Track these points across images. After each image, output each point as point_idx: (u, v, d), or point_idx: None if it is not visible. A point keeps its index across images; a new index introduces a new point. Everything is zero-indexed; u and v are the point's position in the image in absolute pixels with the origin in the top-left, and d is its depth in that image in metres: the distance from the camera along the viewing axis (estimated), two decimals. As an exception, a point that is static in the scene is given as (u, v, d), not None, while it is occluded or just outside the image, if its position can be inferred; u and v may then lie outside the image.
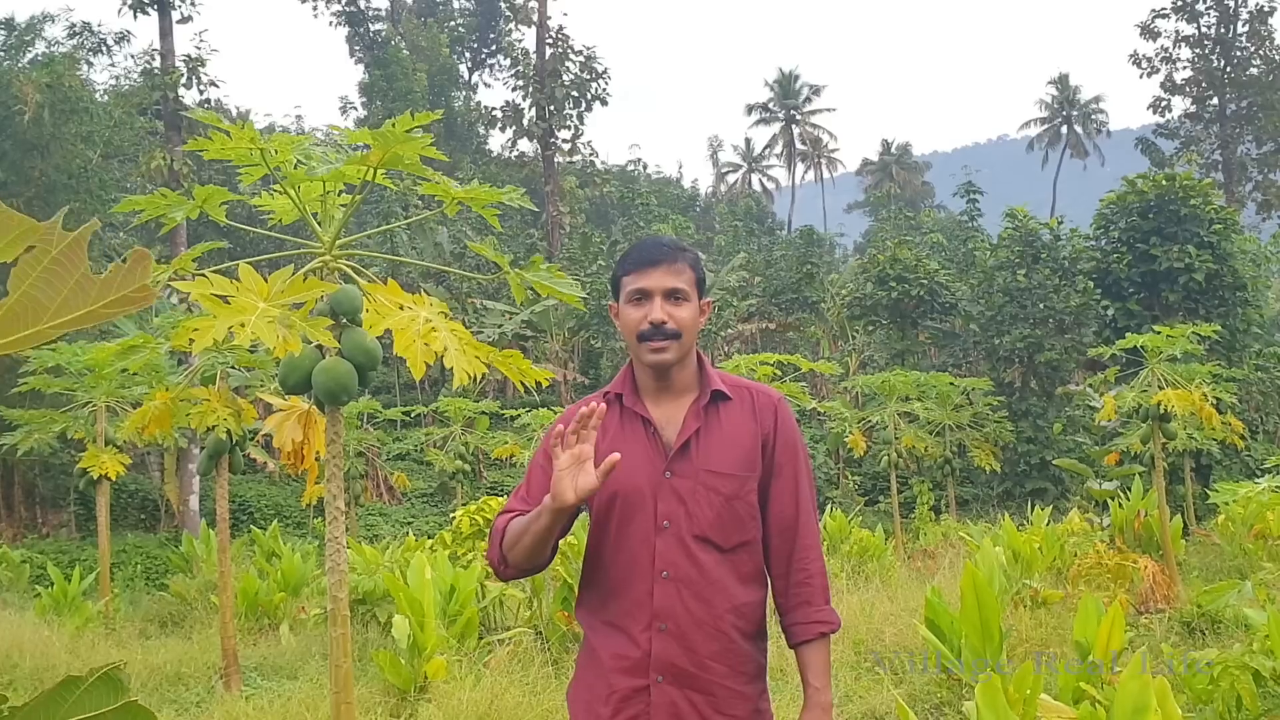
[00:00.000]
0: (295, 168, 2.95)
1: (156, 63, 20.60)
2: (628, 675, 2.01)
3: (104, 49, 20.04)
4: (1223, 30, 32.45)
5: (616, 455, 1.89)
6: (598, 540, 2.09)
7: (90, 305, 0.80)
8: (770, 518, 2.11)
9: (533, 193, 31.90)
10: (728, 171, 61.74)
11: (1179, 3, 32.35)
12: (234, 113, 30.08)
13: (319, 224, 3.21)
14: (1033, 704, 3.58)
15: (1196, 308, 15.24)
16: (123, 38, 20.42)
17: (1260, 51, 32.46)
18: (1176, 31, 32.89)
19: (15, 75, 16.41)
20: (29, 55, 18.08)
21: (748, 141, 61.29)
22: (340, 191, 3.22)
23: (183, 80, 20.35)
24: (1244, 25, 32.40)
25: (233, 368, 6.31)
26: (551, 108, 32.09)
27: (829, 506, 13.92)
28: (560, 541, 2.09)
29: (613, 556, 2.06)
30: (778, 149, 59.15)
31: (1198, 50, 32.79)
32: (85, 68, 19.26)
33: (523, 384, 3.18)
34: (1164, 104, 33.56)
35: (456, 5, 42.52)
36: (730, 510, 2.03)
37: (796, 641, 2.08)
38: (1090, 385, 11.68)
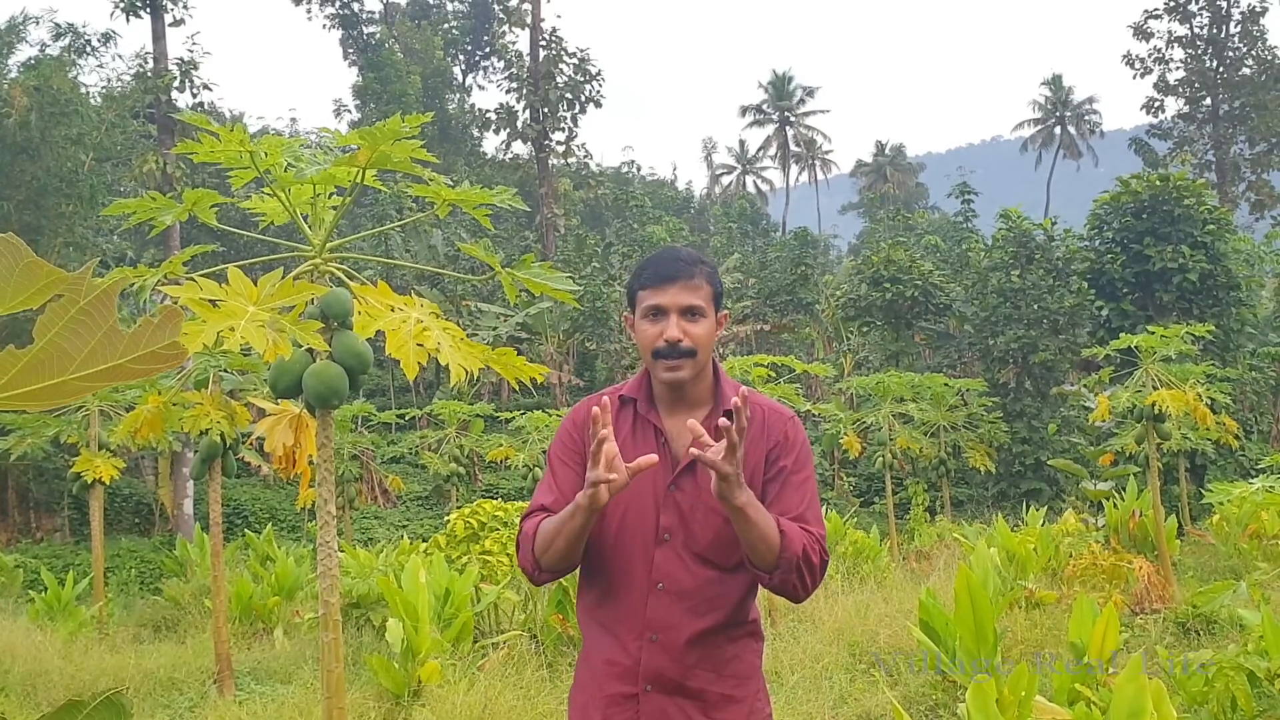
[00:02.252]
0: (285, 170, 2.93)
1: (149, 66, 20.55)
2: (618, 681, 2.01)
3: (90, 50, 19.94)
4: (1215, 31, 32.53)
5: (653, 457, 1.88)
6: (598, 543, 2.08)
7: (118, 359, 0.78)
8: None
9: (527, 195, 31.89)
10: (722, 173, 61.81)
11: (1171, 3, 32.44)
12: (228, 116, 30.01)
13: (309, 226, 3.19)
14: (1028, 705, 3.57)
15: (1190, 308, 15.27)
16: (108, 38, 20.29)
17: (1253, 52, 32.55)
18: (1169, 32, 33.00)
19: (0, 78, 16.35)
20: (13, 58, 17.98)
21: (742, 143, 61.33)
22: (331, 194, 3.21)
23: (175, 83, 20.30)
24: (1236, 25, 32.51)
25: (226, 371, 6.29)
26: (545, 110, 32.10)
27: (824, 508, 13.90)
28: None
29: (611, 562, 2.05)
30: (772, 150, 59.22)
31: (1190, 51, 32.88)
32: (74, 70, 19.15)
33: (518, 385, 3.16)
34: (1157, 104, 33.64)
35: (450, 8, 42.52)
36: (729, 530, 1.97)
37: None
38: (1085, 386, 11.69)
